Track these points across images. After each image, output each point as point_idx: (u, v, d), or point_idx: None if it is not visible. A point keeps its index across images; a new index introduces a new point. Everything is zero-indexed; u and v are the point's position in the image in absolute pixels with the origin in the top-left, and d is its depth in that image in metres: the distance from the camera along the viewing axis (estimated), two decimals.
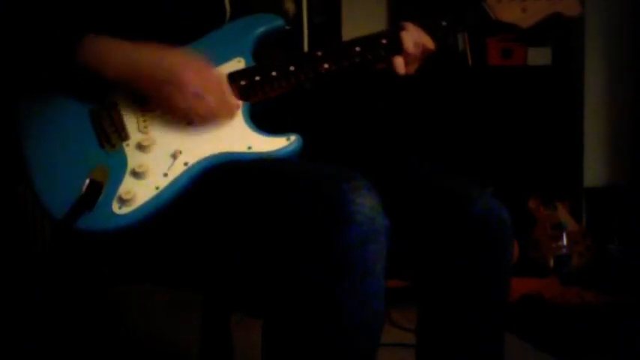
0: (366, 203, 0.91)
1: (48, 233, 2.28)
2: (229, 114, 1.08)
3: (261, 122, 1.10)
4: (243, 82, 1.11)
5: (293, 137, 1.07)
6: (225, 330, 1.48)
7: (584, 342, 2.08)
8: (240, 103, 1.10)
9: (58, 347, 1.96)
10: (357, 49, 1.17)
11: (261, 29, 1.16)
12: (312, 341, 0.92)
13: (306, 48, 1.25)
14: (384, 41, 1.19)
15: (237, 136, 1.07)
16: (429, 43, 1.21)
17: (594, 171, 3.05)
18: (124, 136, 1.06)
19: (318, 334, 0.91)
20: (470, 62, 2.88)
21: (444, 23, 1.24)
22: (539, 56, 2.97)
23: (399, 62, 1.20)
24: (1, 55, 1.05)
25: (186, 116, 1.06)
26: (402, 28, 1.20)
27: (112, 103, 1.08)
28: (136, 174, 1.03)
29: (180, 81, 1.03)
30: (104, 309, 2.24)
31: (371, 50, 1.18)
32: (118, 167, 1.03)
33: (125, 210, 1.00)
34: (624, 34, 3.05)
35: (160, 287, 1.27)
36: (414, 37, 1.20)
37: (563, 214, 2.73)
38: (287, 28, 1.20)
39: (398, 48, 1.20)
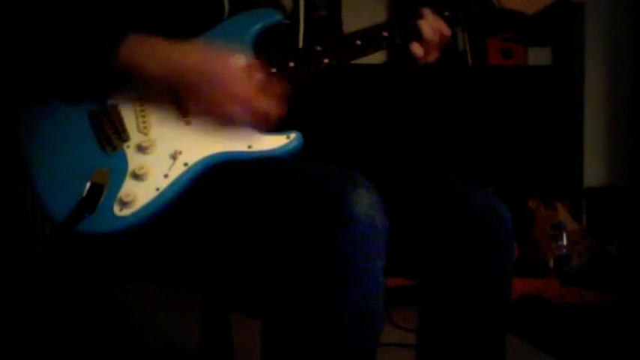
0: (366, 202, 0.91)
1: (48, 233, 2.28)
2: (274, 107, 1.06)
3: None
4: None
5: (293, 135, 1.07)
6: (225, 330, 1.48)
7: (584, 342, 2.09)
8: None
9: (58, 347, 1.96)
10: (358, 42, 1.16)
11: (260, 25, 1.15)
12: (311, 340, 0.92)
13: (301, 44, 1.24)
14: (385, 34, 1.17)
15: (237, 135, 1.07)
16: (446, 29, 1.19)
17: (594, 171, 3.05)
18: (124, 137, 1.05)
19: (317, 333, 0.91)
20: (470, 62, 2.88)
21: (446, 13, 1.22)
22: (539, 56, 2.97)
23: (417, 49, 1.18)
24: (31, 55, 1.05)
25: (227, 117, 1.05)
26: (420, 16, 1.19)
27: (112, 104, 1.08)
28: (136, 176, 1.02)
29: (228, 91, 1.04)
30: (107, 307, 2.24)
31: (372, 43, 1.16)
32: (119, 169, 1.03)
33: (126, 212, 1.00)
34: (624, 34, 3.05)
35: (160, 286, 1.27)
36: (431, 24, 1.18)
37: (563, 214, 2.73)
38: (286, 22, 1.19)
39: (417, 35, 1.17)
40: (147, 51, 1.04)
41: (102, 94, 1.08)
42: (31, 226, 2.31)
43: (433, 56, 1.20)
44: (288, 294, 0.92)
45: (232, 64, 1.05)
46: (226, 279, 1.09)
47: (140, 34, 1.05)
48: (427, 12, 1.19)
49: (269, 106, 1.05)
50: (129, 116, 1.07)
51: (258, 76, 1.06)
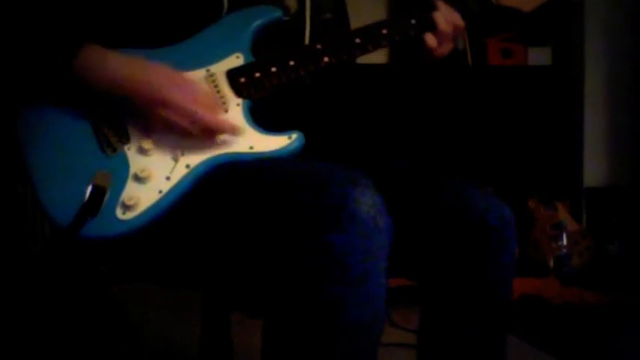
0: (369, 201, 0.91)
1: (48, 233, 2.28)
2: (219, 127, 1.05)
3: (262, 119, 1.09)
4: (242, 80, 1.10)
5: (294, 135, 1.07)
6: (225, 330, 1.48)
7: (584, 342, 2.09)
8: (237, 115, 1.08)
9: (58, 347, 1.96)
10: (357, 40, 1.15)
11: (258, 22, 1.14)
12: (312, 341, 0.92)
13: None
14: (384, 31, 1.17)
15: (239, 136, 1.07)
16: (460, 20, 1.20)
17: (594, 171, 3.04)
18: (124, 139, 1.05)
19: (319, 334, 0.91)
20: (470, 62, 2.88)
21: None
22: (539, 56, 2.97)
23: (430, 39, 1.18)
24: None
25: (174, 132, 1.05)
26: (435, 8, 1.19)
27: (113, 104, 1.07)
28: (138, 179, 1.02)
29: (165, 101, 1.03)
30: (107, 307, 2.24)
31: (371, 41, 1.15)
32: (120, 171, 1.02)
33: (129, 215, 1.00)
34: (624, 34, 3.05)
35: (160, 286, 1.27)
36: (445, 15, 1.18)
37: (563, 214, 2.73)
38: (285, 19, 1.18)
39: (431, 27, 1.18)
40: (95, 63, 1.03)
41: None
42: (31, 226, 2.31)
43: (447, 48, 1.20)
44: (289, 294, 0.92)
45: (174, 76, 1.05)
46: (227, 279, 1.09)
47: (95, 45, 1.04)
48: (441, 4, 1.20)
49: (209, 117, 1.04)
50: (129, 117, 1.06)
51: (203, 92, 1.05)
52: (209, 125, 1.04)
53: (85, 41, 1.03)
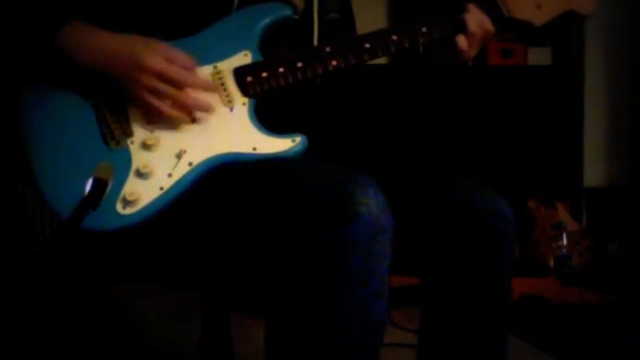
0: (373, 201, 0.91)
1: (48, 233, 2.28)
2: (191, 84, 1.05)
3: (266, 118, 1.09)
4: (249, 79, 1.09)
5: (298, 138, 1.06)
6: (225, 330, 1.48)
7: (584, 342, 2.09)
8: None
9: (58, 347, 1.96)
10: (367, 45, 1.14)
11: (267, 20, 1.13)
12: (312, 341, 0.92)
13: (316, 44, 1.22)
14: (394, 37, 1.15)
15: (242, 136, 1.06)
16: (490, 26, 1.19)
17: (594, 171, 3.05)
18: (128, 133, 1.05)
19: (321, 333, 0.91)
20: (470, 62, 2.87)
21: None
22: (539, 56, 2.97)
23: (462, 41, 1.17)
24: None
25: (150, 102, 1.04)
26: (465, 10, 1.18)
27: (117, 98, 1.07)
28: (140, 174, 1.02)
29: (141, 63, 1.03)
30: (107, 307, 2.24)
31: (380, 47, 1.14)
32: (122, 165, 1.02)
33: (129, 210, 1.00)
34: (624, 34, 3.05)
35: (160, 286, 1.27)
36: (476, 18, 1.18)
37: (563, 214, 2.73)
38: (295, 17, 1.17)
39: (461, 28, 1.17)
40: (81, 39, 1.03)
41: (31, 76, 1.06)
42: (31, 226, 2.30)
43: (476, 50, 1.20)
44: (290, 294, 0.92)
45: (146, 46, 1.04)
46: (228, 279, 1.09)
47: (81, 21, 1.04)
48: (472, 6, 1.19)
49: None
50: (134, 111, 1.06)
51: (174, 57, 1.05)
52: (182, 82, 1.04)
53: (72, 18, 1.03)
